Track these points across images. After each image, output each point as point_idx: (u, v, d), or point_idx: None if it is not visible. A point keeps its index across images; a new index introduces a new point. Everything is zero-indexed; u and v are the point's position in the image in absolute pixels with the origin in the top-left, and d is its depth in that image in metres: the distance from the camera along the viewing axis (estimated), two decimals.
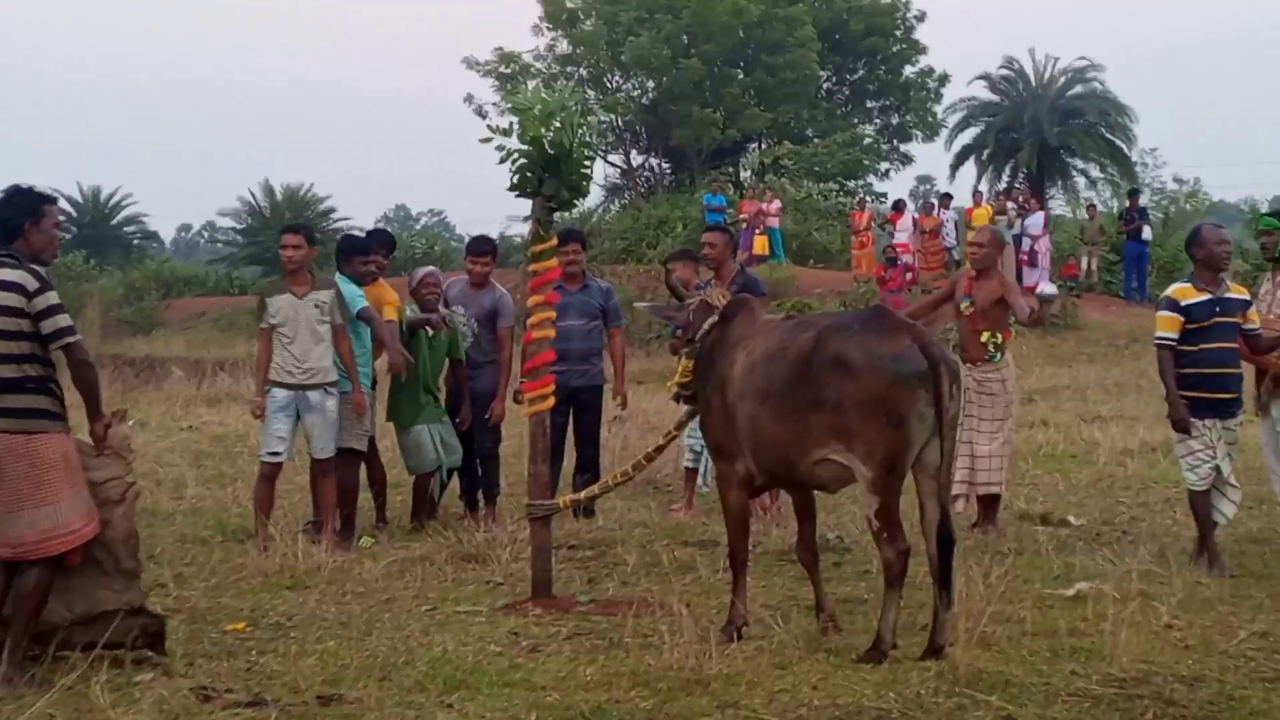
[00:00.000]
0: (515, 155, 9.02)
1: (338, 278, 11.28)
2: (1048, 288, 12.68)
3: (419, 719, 6.54)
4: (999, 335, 11.21)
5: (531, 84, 18.74)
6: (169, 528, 11.48)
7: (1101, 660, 7.36)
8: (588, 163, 9.27)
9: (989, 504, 11.20)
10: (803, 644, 7.77)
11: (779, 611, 8.52)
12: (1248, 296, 9.97)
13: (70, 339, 7.26)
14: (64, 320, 7.26)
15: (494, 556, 10.20)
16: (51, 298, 7.21)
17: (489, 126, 9.00)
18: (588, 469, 11.96)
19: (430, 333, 11.61)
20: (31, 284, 7.15)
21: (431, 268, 12.57)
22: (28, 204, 7.48)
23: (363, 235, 12.90)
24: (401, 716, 6.56)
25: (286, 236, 11.02)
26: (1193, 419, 9.68)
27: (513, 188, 9.18)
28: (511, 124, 9.01)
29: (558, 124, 8.84)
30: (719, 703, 6.80)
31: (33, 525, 7.10)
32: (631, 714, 6.63)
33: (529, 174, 9.06)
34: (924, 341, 7.50)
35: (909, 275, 31.00)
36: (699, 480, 12.31)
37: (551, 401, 9.39)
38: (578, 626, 8.36)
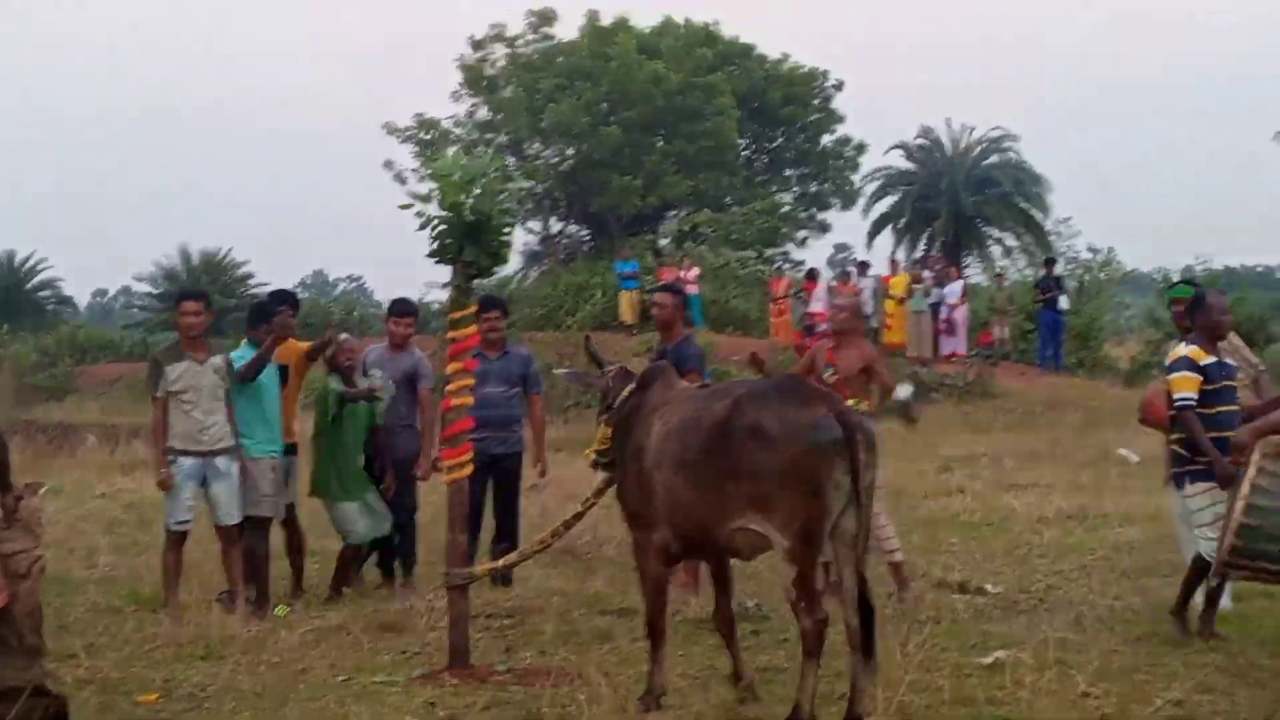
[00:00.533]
0: (435, 221, 9.02)
1: (244, 343, 11.28)
2: (902, 391, 12.76)
3: None
4: (864, 404, 11.21)
5: (451, 150, 18.78)
6: (81, 596, 11.29)
7: None
8: (507, 229, 9.26)
9: (897, 569, 11.19)
10: (721, 714, 7.77)
11: (698, 680, 8.55)
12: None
13: None
14: None
15: (411, 626, 10.14)
16: None
17: (409, 194, 9.07)
18: (506, 537, 11.86)
19: (366, 403, 11.60)
20: None
21: (345, 335, 12.58)
22: None
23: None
24: None
25: (186, 304, 10.98)
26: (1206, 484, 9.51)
27: (432, 254, 9.18)
28: (431, 190, 9.03)
29: (478, 190, 8.87)
30: None
31: None
32: None
33: (449, 240, 9.05)
34: (839, 410, 7.53)
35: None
36: None
37: (470, 469, 9.36)
38: (495, 696, 8.32)
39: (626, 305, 35.23)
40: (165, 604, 10.57)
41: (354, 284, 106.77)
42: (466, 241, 9.03)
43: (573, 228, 51.76)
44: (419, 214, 9.06)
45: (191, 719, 7.83)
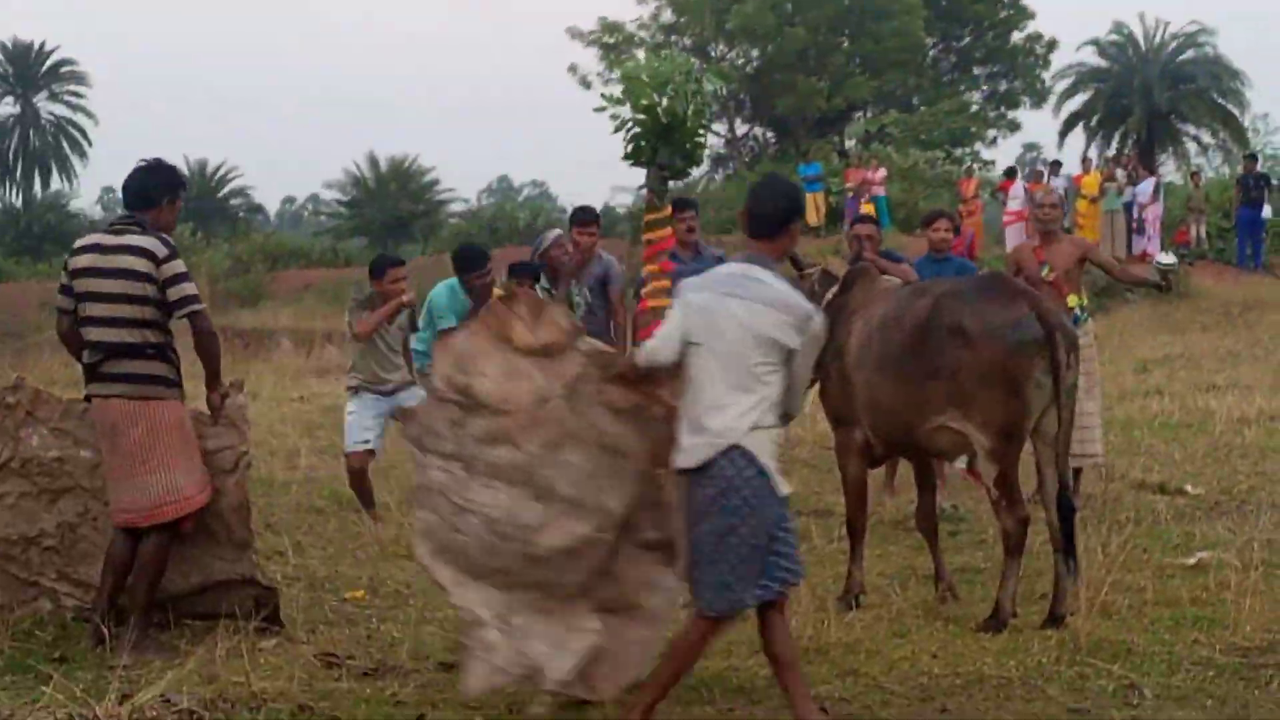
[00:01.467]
0: (629, 124, 9.03)
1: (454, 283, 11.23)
2: (1165, 258, 12.45)
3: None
4: (1083, 297, 11.05)
5: (642, 53, 18.70)
6: (285, 497, 11.55)
7: (1225, 629, 7.30)
8: (701, 131, 9.25)
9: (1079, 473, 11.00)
10: (921, 613, 7.76)
11: (896, 580, 8.52)
12: None
13: (196, 307, 7.32)
14: (190, 289, 7.31)
15: None
16: (179, 265, 7.27)
17: (603, 95, 9.02)
18: None
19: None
20: (161, 250, 7.21)
21: (557, 230, 12.47)
22: (171, 181, 7.62)
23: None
24: None
25: (398, 270, 10.99)
26: None
27: (626, 156, 9.21)
28: (624, 92, 9.03)
29: (671, 92, 8.83)
30: (839, 671, 6.82)
31: (145, 491, 7.18)
32: (752, 681, 6.64)
33: (643, 143, 9.06)
34: (1041, 309, 7.44)
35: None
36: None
37: None
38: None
39: (811, 207, 34.94)
40: (364, 511, 10.76)
41: (538, 189, 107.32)
42: (660, 143, 9.03)
43: (758, 130, 51.53)
44: (613, 117, 9.08)
45: (397, 615, 7.96)
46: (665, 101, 8.87)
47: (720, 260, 12.14)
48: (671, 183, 9.75)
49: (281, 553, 9.45)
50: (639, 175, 9.28)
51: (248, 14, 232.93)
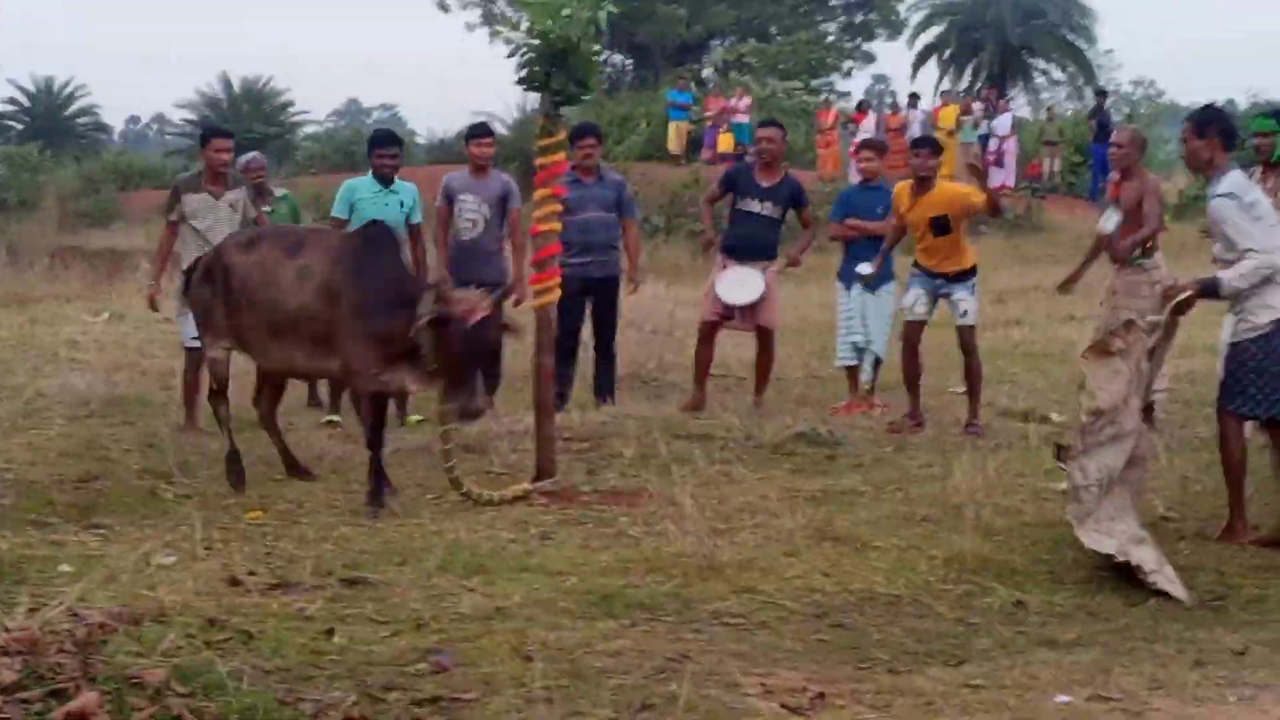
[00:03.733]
0: (522, 49, 9.07)
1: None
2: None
3: (444, 601, 6.66)
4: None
5: None
6: (165, 418, 11.51)
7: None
8: (594, 57, 9.30)
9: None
10: (809, 534, 7.93)
11: (785, 503, 8.68)
12: None
13: None
14: None
15: (493, 447, 10.32)
16: None
17: (499, 17, 9.05)
18: (606, 357, 12.30)
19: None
20: None
21: (255, 152, 12.97)
22: None
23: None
24: (427, 598, 6.67)
25: (219, 141, 11.44)
26: None
27: (520, 81, 9.26)
28: (519, 18, 9.07)
29: (566, 15, 8.87)
30: (735, 588, 6.98)
31: None
32: (652, 597, 6.79)
33: (536, 67, 9.11)
34: None
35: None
36: (862, 376, 12.50)
37: (558, 294, 9.49)
38: (583, 516, 8.51)
39: (674, 136, 34.97)
40: (187, 420, 11.30)
41: (388, 113, 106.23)
42: (554, 69, 9.08)
43: (617, 57, 51.44)
44: (507, 41, 9.12)
45: (293, 533, 8.00)
46: (558, 28, 8.91)
47: (621, 184, 12.24)
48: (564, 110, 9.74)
49: (168, 473, 9.46)
50: (494, 102, 9.31)
51: None
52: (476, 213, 11.62)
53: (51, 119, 63.71)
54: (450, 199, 11.75)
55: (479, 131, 12.12)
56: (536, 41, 8.98)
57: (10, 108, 65.11)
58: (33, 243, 30.99)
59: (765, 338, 12.25)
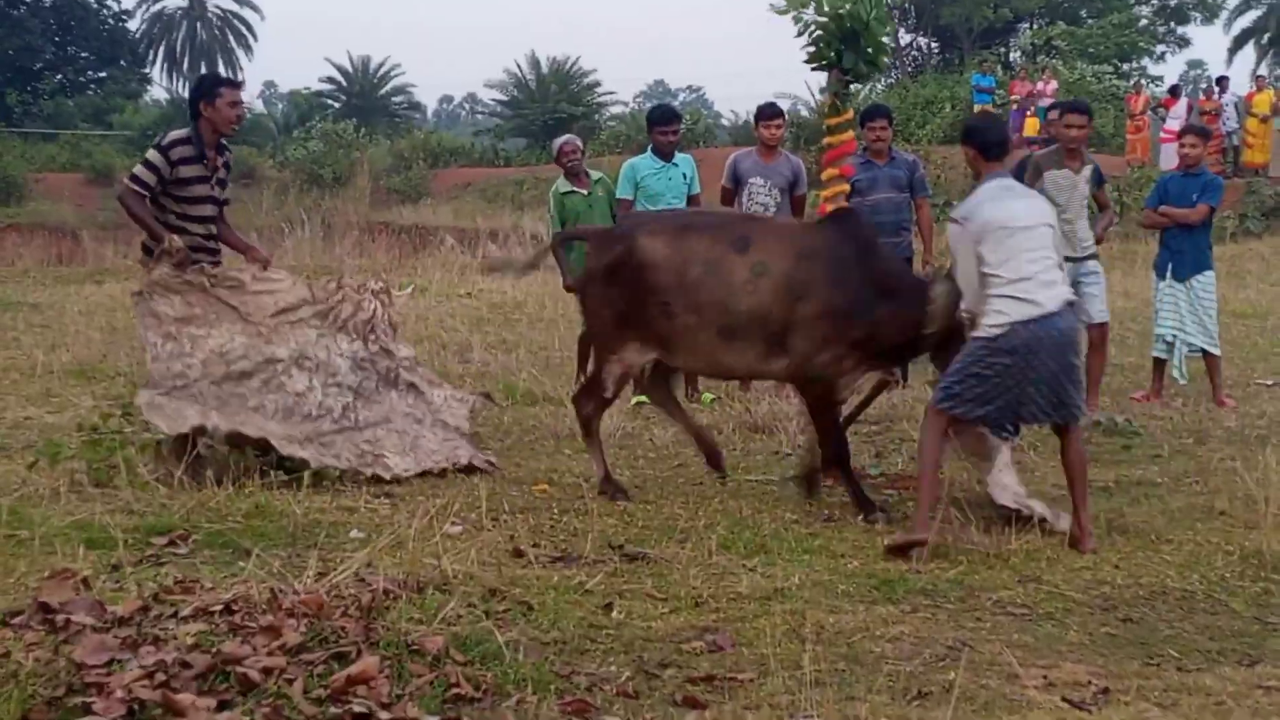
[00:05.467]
0: (812, 27, 9.04)
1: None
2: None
3: (723, 580, 6.66)
4: None
5: None
6: (462, 390, 11.72)
7: None
8: (885, 36, 9.22)
9: None
10: (1098, 525, 7.73)
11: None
12: None
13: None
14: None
15: (781, 428, 10.30)
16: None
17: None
18: None
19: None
20: None
21: (570, 135, 12.84)
22: (194, 94, 8.92)
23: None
24: (706, 577, 6.68)
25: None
26: None
27: (809, 60, 9.23)
28: None
29: None
30: (1020, 576, 6.86)
31: None
32: (934, 583, 6.71)
33: (826, 46, 9.06)
34: None
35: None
36: (1172, 371, 12.11)
37: None
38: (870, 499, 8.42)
39: None
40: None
41: (694, 94, 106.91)
42: (844, 47, 9.03)
43: (921, 40, 50.96)
44: (796, 19, 9.07)
45: (578, 507, 8.07)
46: (849, 5, 8.85)
47: (914, 163, 12.05)
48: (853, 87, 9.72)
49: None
50: (801, 84, 9.25)
51: None
52: (768, 197, 11.54)
53: (366, 98, 65.71)
54: (738, 180, 11.71)
55: (769, 112, 12.03)
56: (826, 20, 8.92)
57: (328, 86, 67.34)
58: (345, 217, 32.06)
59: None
